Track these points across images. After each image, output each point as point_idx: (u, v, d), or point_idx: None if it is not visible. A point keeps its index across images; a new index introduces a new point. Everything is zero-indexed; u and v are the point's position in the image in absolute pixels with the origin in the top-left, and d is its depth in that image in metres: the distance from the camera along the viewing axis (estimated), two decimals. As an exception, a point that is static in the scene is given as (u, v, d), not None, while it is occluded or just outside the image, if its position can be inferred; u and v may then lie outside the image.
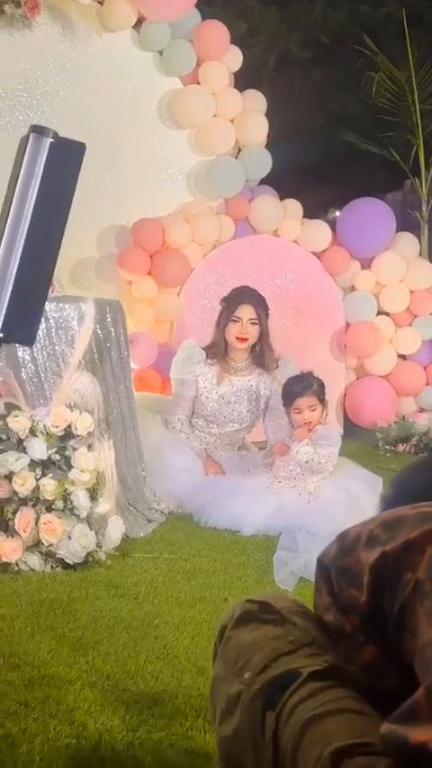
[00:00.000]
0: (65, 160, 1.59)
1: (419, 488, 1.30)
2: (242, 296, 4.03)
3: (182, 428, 4.04)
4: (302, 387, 3.72)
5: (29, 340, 1.74)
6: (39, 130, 1.56)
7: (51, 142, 1.56)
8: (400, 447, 5.12)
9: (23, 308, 1.64)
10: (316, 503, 3.53)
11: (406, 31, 6.46)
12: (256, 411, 4.08)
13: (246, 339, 3.98)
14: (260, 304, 4.01)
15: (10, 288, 1.57)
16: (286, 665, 1.13)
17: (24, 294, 1.63)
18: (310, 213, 5.51)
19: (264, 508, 3.50)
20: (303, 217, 5.39)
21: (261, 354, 4.05)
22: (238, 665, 1.19)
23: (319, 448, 3.63)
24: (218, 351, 4.00)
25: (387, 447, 5.12)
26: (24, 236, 1.58)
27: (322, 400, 3.74)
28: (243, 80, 5.61)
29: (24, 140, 1.55)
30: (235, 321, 3.97)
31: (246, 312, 3.97)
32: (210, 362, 4.02)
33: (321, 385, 3.76)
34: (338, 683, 1.09)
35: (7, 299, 1.57)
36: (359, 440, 5.16)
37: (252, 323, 3.97)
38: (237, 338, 3.97)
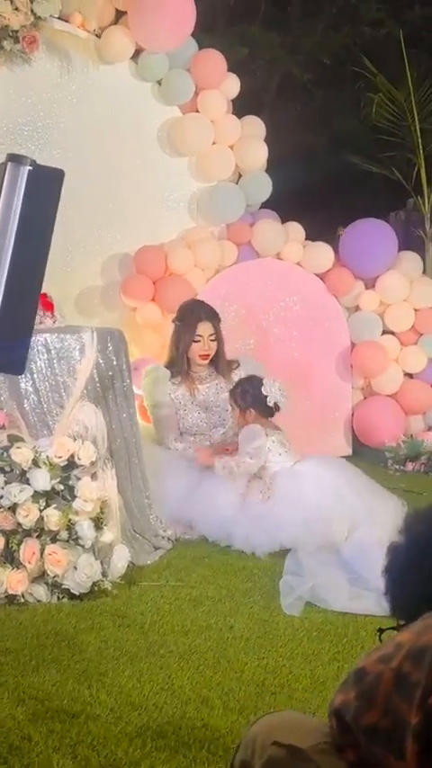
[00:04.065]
0: (44, 188, 1.60)
1: (429, 538, 1.17)
2: (197, 313, 4.16)
3: (180, 446, 4.09)
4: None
5: (17, 369, 1.74)
6: (16, 159, 1.56)
7: (30, 170, 1.57)
8: (409, 466, 5.09)
9: (10, 336, 1.64)
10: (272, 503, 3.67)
11: (404, 50, 6.49)
12: (231, 418, 4.18)
13: (208, 355, 4.14)
14: (215, 317, 4.17)
15: (-5, 317, 1.58)
16: None
17: (10, 322, 1.63)
18: (314, 235, 5.54)
19: (240, 523, 3.62)
20: (308, 239, 5.42)
21: (216, 362, 4.19)
22: None
23: (242, 449, 3.78)
24: (180, 369, 4.14)
25: (396, 466, 5.10)
26: (7, 266, 1.59)
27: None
28: (245, 104, 5.67)
29: (2, 169, 1.56)
30: (197, 341, 4.09)
31: (205, 329, 4.11)
32: (174, 381, 4.14)
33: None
34: None
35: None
36: (368, 459, 5.14)
37: (211, 339, 4.12)
38: (200, 356, 4.12)
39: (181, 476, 3.90)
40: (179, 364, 4.13)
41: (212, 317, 4.16)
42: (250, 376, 4.01)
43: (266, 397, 3.81)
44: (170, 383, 4.14)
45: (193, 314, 4.15)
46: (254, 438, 3.79)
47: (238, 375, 4.17)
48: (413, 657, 0.93)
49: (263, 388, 3.82)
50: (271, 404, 3.83)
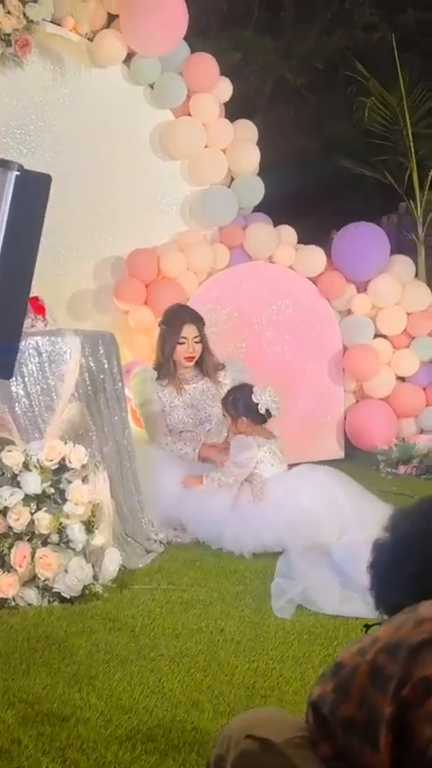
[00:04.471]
0: (32, 192, 1.60)
1: (414, 536, 1.18)
2: (181, 316, 4.24)
3: (172, 441, 4.17)
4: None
5: (6, 372, 1.75)
6: (3, 164, 1.57)
7: (17, 175, 1.57)
8: (402, 469, 5.10)
9: None
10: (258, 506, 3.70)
11: (396, 55, 6.52)
12: (218, 413, 4.22)
13: (193, 357, 4.21)
14: (199, 320, 4.25)
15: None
16: None
17: (-1, 326, 1.64)
18: (307, 238, 5.55)
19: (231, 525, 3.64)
20: (301, 242, 5.43)
21: (202, 363, 4.26)
22: None
23: (232, 458, 3.82)
24: (167, 371, 4.21)
25: (388, 469, 5.11)
26: (-5, 270, 1.60)
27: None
28: (238, 109, 5.67)
29: None
30: (181, 343, 4.16)
31: (189, 332, 4.19)
32: (161, 383, 4.21)
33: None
34: None
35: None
36: (360, 463, 5.15)
37: (196, 341, 4.19)
38: (185, 358, 4.19)
39: (173, 476, 3.93)
40: (165, 366, 4.21)
41: (197, 320, 4.24)
42: (241, 384, 4.04)
43: (257, 404, 3.83)
44: (157, 384, 4.22)
45: (178, 317, 4.23)
46: (245, 449, 3.81)
47: (222, 376, 4.25)
48: (388, 651, 0.95)
49: (253, 396, 3.84)
50: (262, 411, 3.85)
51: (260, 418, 3.87)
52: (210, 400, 4.21)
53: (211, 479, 3.83)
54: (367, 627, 1.15)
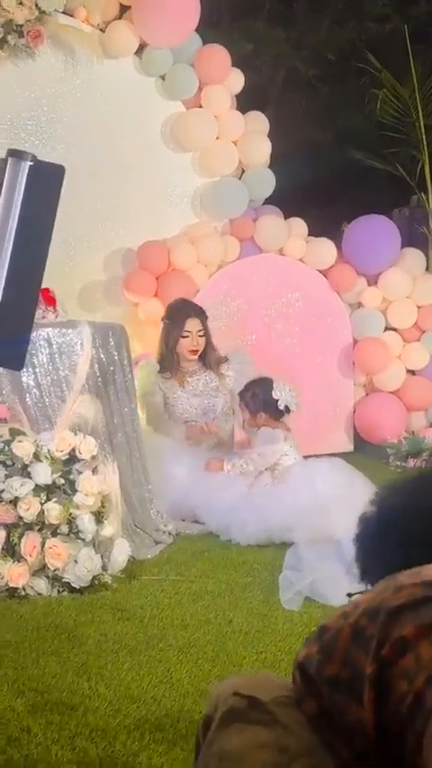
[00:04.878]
0: (45, 183, 1.61)
1: (399, 511, 1.24)
2: (185, 310, 4.29)
3: (172, 423, 4.24)
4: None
5: (17, 364, 1.76)
6: (17, 154, 1.58)
7: (30, 165, 1.58)
8: (411, 462, 5.10)
9: (10, 331, 1.65)
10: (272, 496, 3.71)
11: (408, 46, 6.47)
12: (225, 405, 4.28)
13: (197, 350, 4.24)
14: (202, 314, 4.30)
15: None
16: None
17: (10, 318, 1.65)
18: (318, 231, 5.54)
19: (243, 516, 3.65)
20: (312, 234, 5.42)
21: (205, 357, 4.30)
22: None
23: (258, 448, 3.84)
24: (170, 364, 4.25)
25: (398, 463, 5.10)
26: (8, 261, 1.60)
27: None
28: (250, 100, 5.65)
29: (2, 164, 1.57)
30: (185, 336, 4.19)
31: (193, 325, 4.22)
32: (164, 375, 4.25)
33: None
34: None
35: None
36: (370, 456, 5.15)
37: (200, 335, 4.23)
38: (189, 351, 4.22)
39: (182, 467, 3.96)
40: (169, 360, 4.25)
41: (200, 314, 4.28)
42: (260, 378, 4.06)
43: (277, 400, 3.85)
44: (160, 376, 4.26)
45: (182, 311, 4.27)
46: (272, 441, 3.85)
47: (225, 368, 4.30)
48: (369, 614, 1.00)
49: (273, 392, 3.86)
50: (282, 407, 3.87)
51: (279, 413, 3.90)
52: (212, 391, 4.26)
53: (233, 465, 3.86)
54: (350, 595, 1.21)
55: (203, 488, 3.86)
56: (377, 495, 1.29)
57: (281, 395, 3.86)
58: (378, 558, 1.21)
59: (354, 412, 5.46)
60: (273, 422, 3.91)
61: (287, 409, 3.89)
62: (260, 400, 3.91)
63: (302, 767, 0.99)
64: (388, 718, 0.94)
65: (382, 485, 1.34)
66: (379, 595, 1.02)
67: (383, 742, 0.94)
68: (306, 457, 4.03)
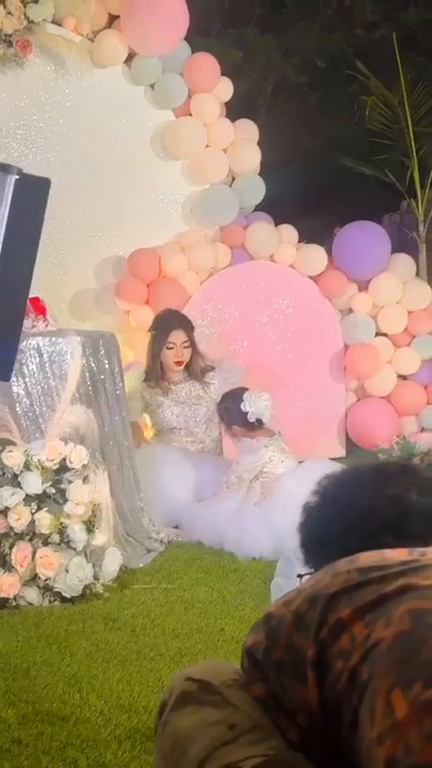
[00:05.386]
0: (31, 196, 1.62)
1: (341, 501, 1.30)
2: (171, 322, 4.32)
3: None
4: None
5: (4, 374, 1.77)
6: (3, 168, 1.59)
7: (16, 179, 1.59)
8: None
9: None
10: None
11: (397, 53, 6.51)
12: (208, 412, 4.29)
13: (182, 362, 4.28)
14: (188, 325, 4.33)
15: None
16: (226, 757, 1.03)
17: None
18: (309, 237, 5.56)
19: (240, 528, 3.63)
20: (304, 241, 5.44)
21: (190, 366, 4.33)
22: (175, 756, 1.09)
23: (241, 459, 3.85)
24: (155, 375, 4.29)
25: (389, 468, 5.11)
26: (-5, 273, 1.61)
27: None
28: (241, 107, 5.67)
29: None
30: (170, 348, 4.22)
31: (178, 337, 4.26)
32: (149, 384, 4.28)
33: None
34: None
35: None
36: (361, 461, 5.15)
37: (185, 346, 4.26)
38: (174, 363, 4.26)
39: (173, 474, 3.98)
40: (155, 370, 4.28)
41: (185, 325, 4.31)
42: (233, 390, 4.04)
43: (247, 413, 3.83)
44: (144, 384, 4.29)
45: (167, 323, 4.31)
46: (250, 453, 3.84)
47: (210, 377, 4.31)
48: (309, 600, 1.06)
49: (242, 405, 3.84)
50: (252, 420, 3.85)
51: (251, 426, 3.89)
52: (195, 400, 4.28)
53: (227, 485, 3.86)
54: (300, 576, 1.29)
55: (196, 504, 3.88)
56: (320, 485, 1.35)
57: (250, 408, 3.83)
58: (320, 546, 1.28)
59: (345, 417, 5.47)
60: (250, 432, 3.90)
61: (259, 422, 3.87)
62: (231, 413, 3.91)
63: (249, 741, 1.04)
64: (329, 697, 1.00)
65: (323, 477, 1.39)
66: (319, 582, 1.08)
67: (328, 719, 1.00)
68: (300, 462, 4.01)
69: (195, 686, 1.15)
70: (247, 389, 3.96)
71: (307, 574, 1.25)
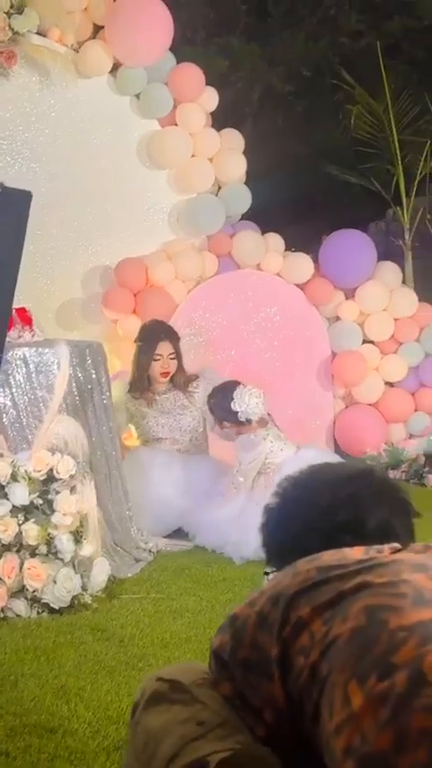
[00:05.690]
0: (12, 209, 1.63)
1: (300, 502, 1.33)
2: (157, 333, 4.32)
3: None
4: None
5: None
6: None
7: None
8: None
9: None
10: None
11: (381, 62, 6.56)
12: (193, 421, 4.28)
13: (168, 372, 4.27)
14: (174, 336, 4.33)
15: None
16: (195, 752, 1.07)
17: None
18: (296, 246, 5.58)
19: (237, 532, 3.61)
20: (290, 249, 5.46)
21: (175, 377, 4.33)
22: (146, 753, 1.13)
23: (240, 457, 3.82)
24: (141, 386, 4.28)
25: (378, 475, 5.12)
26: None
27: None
28: (227, 116, 5.70)
29: None
30: (156, 359, 4.23)
31: (165, 349, 4.26)
32: (133, 395, 4.28)
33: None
34: (250, 767, 1.05)
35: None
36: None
37: (171, 357, 4.26)
38: (160, 374, 4.27)
39: (163, 473, 4.00)
40: (141, 381, 4.28)
41: (172, 336, 4.31)
42: (222, 385, 4.01)
43: (237, 413, 3.81)
44: (128, 395, 4.29)
45: (154, 334, 4.31)
46: (250, 448, 3.81)
47: (194, 387, 4.31)
48: (272, 600, 1.10)
49: (232, 404, 3.81)
50: (243, 419, 3.83)
51: (241, 422, 3.86)
52: (180, 409, 4.28)
53: (234, 486, 3.82)
54: (267, 573, 1.34)
55: (198, 509, 3.86)
56: (280, 487, 1.38)
57: (240, 406, 3.81)
58: (281, 546, 1.32)
59: (333, 424, 5.49)
60: (243, 427, 3.87)
61: (248, 420, 3.86)
62: (221, 410, 3.89)
63: (218, 736, 1.08)
64: (292, 692, 1.04)
65: (283, 479, 1.42)
66: (280, 582, 1.12)
67: (293, 714, 1.05)
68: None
69: (166, 686, 1.19)
70: (238, 384, 3.90)
71: (273, 571, 1.30)
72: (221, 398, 3.89)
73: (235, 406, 3.79)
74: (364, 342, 5.47)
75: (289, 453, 3.80)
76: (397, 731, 0.88)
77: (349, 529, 1.24)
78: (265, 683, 1.07)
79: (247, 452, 3.80)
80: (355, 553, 1.12)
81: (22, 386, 3.28)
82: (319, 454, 3.88)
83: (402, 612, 0.97)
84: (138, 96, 5.11)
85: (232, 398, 3.81)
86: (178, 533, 3.97)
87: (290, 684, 1.04)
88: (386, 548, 1.13)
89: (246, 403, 3.79)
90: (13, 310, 2.99)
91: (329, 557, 1.12)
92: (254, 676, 1.09)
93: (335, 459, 3.86)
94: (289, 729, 1.06)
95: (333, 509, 1.27)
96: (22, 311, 3.55)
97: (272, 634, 1.07)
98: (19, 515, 2.99)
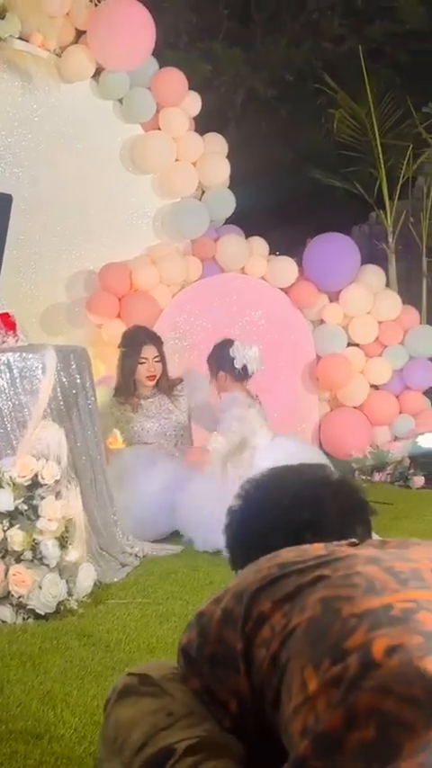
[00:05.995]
0: None
1: (262, 503, 1.38)
2: (141, 337, 4.33)
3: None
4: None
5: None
6: None
7: None
8: (376, 476, 5.14)
9: None
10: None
11: (363, 66, 6.60)
12: (179, 425, 4.31)
13: (154, 376, 4.28)
14: (158, 340, 4.34)
15: None
16: (163, 741, 1.12)
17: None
18: (280, 250, 5.61)
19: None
20: (275, 253, 5.48)
21: (159, 381, 4.34)
22: (118, 743, 1.18)
23: (224, 416, 3.80)
24: (126, 390, 4.28)
25: (363, 477, 5.14)
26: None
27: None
28: (210, 121, 5.72)
29: None
30: (142, 362, 4.24)
31: (150, 352, 4.26)
32: (118, 400, 4.28)
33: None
34: (215, 753, 1.09)
35: None
36: (335, 470, 5.18)
37: (156, 360, 4.27)
38: (147, 377, 4.27)
39: (149, 482, 3.96)
40: (126, 386, 4.28)
41: (155, 340, 4.33)
42: (225, 339, 4.03)
43: (234, 359, 3.81)
44: (113, 400, 4.29)
45: (138, 338, 4.31)
46: (235, 404, 3.78)
47: (179, 390, 4.33)
48: (236, 597, 1.15)
49: (231, 350, 3.82)
50: (239, 366, 3.82)
51: (237, 373, 3.85)
52: (165, 413, 4.30)
53: (217, 440, 3.73)
54: (236, 570, 1.37)
55: (185, 506, 3.84)
56: (242, 489, 1.43)
57: (238, 354, 3.81)
58: (245, 545, 1.36)
59: (319, 427, 5.51)
60: (235, 384, 3.85)
61: (245, 369, 3.82)
62: (219, 358, 3.89)
63: (185, 725, 1.13)
64: (255, 684, 1.09)
65: (245, 481, 1.45)
66: (244, 579, 1.17)
67: (256, 704, 1.10)
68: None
69: (136, 680, 1.25)
70: (234, 340, 3.94)
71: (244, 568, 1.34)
72: (221, 347, 3.91)
73: (233, 352, 3.80)
74: (349, 345, 5.50)
75: (266, 439, 3.79)
76: (347, 710, 0.93)
77: (311, 527, 1.29)
78: (232, 675, 1.12)
79: (230, 407, 3.77)
80: (315, 549, 1.17)
81: (6, 391, 3.26)
82: (294, 443, 3.88)
83: (354, 601, 1.02)
84: (120, 101, 5.12)
85: (231, 346, 3.82)
86: (175, 535, 3.95)
87: (253, 677, 1.09)
88: (344, 543, 1.18)
89: (245, 353, 3.80)
90: (-3, 315, 2.99)
91: (290, 553, 1.16)
92: (221, 670, 1.14)
93: (309, 448, 3.87)
94: (253, 719, 1.10)
95: (295, 509, 1.32)
96: (5, 316, 3.54)
97: (236, 629, 1.11)
98: (4, 521, 2.98)
